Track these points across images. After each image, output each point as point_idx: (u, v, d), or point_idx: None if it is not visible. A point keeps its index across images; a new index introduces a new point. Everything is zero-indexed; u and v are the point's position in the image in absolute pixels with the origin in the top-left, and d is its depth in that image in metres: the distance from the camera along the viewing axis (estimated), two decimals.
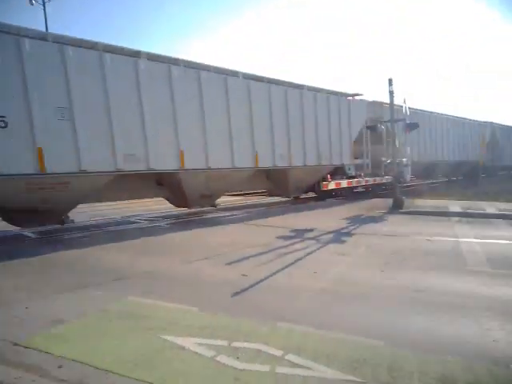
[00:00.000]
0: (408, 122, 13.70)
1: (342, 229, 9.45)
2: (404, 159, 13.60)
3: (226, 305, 4.58)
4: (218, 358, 3.25)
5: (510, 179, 22.36)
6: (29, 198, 8.74)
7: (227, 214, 13.42)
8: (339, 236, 8.58)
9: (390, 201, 12.96)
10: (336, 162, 16.27)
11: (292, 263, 6.36)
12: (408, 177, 13.89)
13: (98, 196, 10.80)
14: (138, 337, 3.75)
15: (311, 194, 17.43)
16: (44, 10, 28.27)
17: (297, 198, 17.00)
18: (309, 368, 3.05)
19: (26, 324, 4.14)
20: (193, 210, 13.26)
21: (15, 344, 3.63)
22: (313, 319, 4.06)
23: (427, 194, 16.41)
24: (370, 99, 18.47)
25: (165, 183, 11.90)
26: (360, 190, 19.07)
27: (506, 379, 2.86)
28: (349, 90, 17.86)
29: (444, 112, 24.71)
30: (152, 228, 10.92)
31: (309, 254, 7.02)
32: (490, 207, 11.55)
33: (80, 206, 10.79)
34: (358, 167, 17.38)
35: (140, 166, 10.31)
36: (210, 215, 13.24)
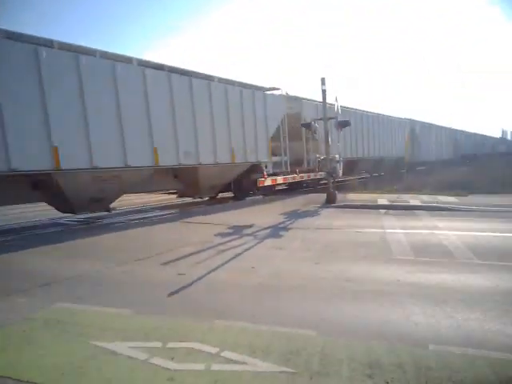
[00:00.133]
0: (340, 119, 14.27)
1: (279, 224, 9.65)
2: (336, 155, 14.20)
3: (162, 305, 4.49)
4: (152, 361, 3.18)
5: (430, 174, 24.00)
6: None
7: (155, 214, 13.12)
8: (276, 231, 8.75)
9: (324, 196, 13.47)
10: (252, 160, 15.56)
11: (230, 259, 6.38)
12: (340, 172, 14.50)
13: None
14: (66, 345, 3.55)
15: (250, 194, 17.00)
16: None
17: (213, 198, 16.34)
18: (244, 363, 3.09)
19: None
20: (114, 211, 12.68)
21: None
22: (250, 314, 4.11)
23: (358, 188, 17.25)
24: (291, 94, 18.07)
25: (41, 187, 10.22)
26: (283, 187, 18.87)
27: (425, 359, 3.09)
28: (266, 83, 17.40)
29: (365, 109, 24.69)
30: (83, 229, 10.36)
31: (247, 249, 7.08)
32: (414, 200, 12.44)
33: None
34: (277, 165, 16.88)
35: (1, 167, 8.57)
36: (138, 215, 12.85)
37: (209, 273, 5.62)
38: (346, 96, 23.66)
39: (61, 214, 11.78)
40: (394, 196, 13.61)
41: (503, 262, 5.66)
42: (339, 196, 13.56)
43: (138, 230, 9.77)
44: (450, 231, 7.84)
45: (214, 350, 3.28)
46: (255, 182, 15.50)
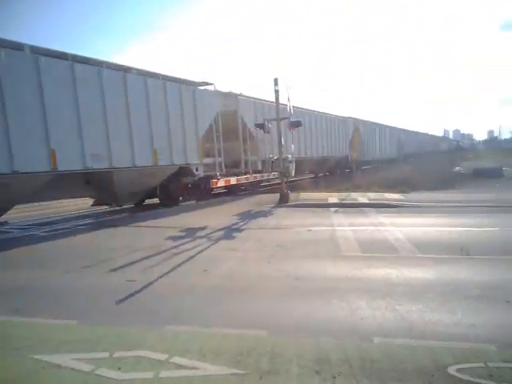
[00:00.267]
0: (292, 120, 14.47)
1: (233, 225, 9.65)
2: (289, 156, 14.40)
3: (110, 314, 4.33)
4: (98, 372, 3.06)
5: (377, 172, 24.68)
6: None
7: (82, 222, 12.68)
8: (230, 232, 8.74)
9: (277, 196, 13.63)
10: (179, 162, 13.88)
11: (182, 263, 6.29)
12: (293, 172, 14.73)
13: None
14: (5, 360, 3.34)
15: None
16: None
17: (140, 205, 14.76)
18: (194, 368, 3.05)
19: None
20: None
21: None
22: (202, 318, 4.08)
23: (309, 187, 17.60)
24: (225, 90, 16.89)
25: None
26: (220, 191, 17.71)
27: (370, 352, 3.21)
28: (198, 78, 15.97)
29: (309, 108, 23.61)
30: (26, 237, 9.76)
31: (200, 252, 7.01)
32: (363, 198, 12.93)
33: None
34: (210, 167, 15.49)
35: None
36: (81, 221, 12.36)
37: (160, 277, 5.51)
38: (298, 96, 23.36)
39: None
40: (343, 194, 14.06)
41: (443, 255, 6.02)
42: (292, 195, 13.78)
43: (83, 237, 9.37)
44: (395, 227, 8.22)
45: (163, 357, 3.21)
46: (186, 186, 14.66)
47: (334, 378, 2.84)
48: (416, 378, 2.80)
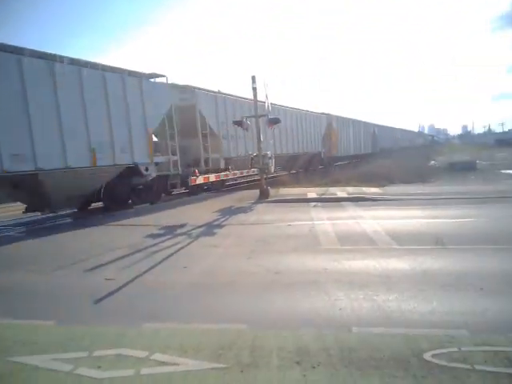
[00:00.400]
0: (270, 117, 14.48)
1: (214, 221, 9.63)
2: (268, 152, 14.43)
3: (88, 313, 4.27)
4: (77, 371, 3.02)
5: (356, 167, 24.57)
6: None
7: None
8: (210, 229, 8.72)
9: (257, 192, 13.65)
10: (124, 161, 12.30)
11: (162, 261, 6.24)
12: (272, 168, 14.78)
13: None
14: None
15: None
16: None
17: (84, 210, 13.19)
18: (175, 364, 3.04)
19: None
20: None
21: None
22: (181, 314, 4.08)
23: (289, 183, 17.68)
24: (181, 83, 15.79)
25: None
26: (178, 191, 16.30)
27: (348, 341, 3.27)
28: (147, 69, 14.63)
29: (282, 104, 22.65)
30: None
31: (179, 249, 6.98)
32: (342, 192, 13.10)
33: None
34: (164, 166, 14.16)
35: None
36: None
37: (139, 276, 5.45)
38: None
39: None
40: (322, 189, 14.21)
41: (419, 246, 6.17)
42: (272, 191, 13.83)
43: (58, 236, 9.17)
44: (373, 220, 8.37)
45: (143, 354, 3.19)
46: (134, 189, 13.34)
47: (314, 368, 2.88)
48: (393, 365, 2.87)
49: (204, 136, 15.97)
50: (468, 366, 2.79)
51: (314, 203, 11.47)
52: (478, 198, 10.70)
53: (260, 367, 2.92)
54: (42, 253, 7.55)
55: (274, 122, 14.79)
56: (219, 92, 17.66)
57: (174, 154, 14.37)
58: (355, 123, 35.52)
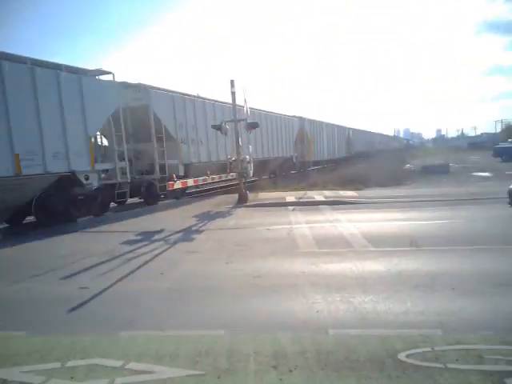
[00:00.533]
0: (249, 121, 14.50)
1: (192, 226, 9.55)
2: (247, 156, 14.44)
3: (61, 323, 4.16)
4: (49, 383, 2.92)
5: (326, 173, 24.21)
6: None
7: None
8: (188, 234, 8.65)
9: (236, 196, 13.63)
10: (59, 169, 10.75)
11: (138, 267, 6.14)
12: (251, 172, 14.79)
13: None
14: None
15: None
16: None
17: (18, 225, 11.61)
18: (151, 372, 2.99)
19: None
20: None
21: None
22: (158, 322, 4.01)
23: (268, 187, 17.69)
24: (134, 81, 14.47)
25: None
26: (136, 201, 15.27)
27: (325, 344, 3.29)
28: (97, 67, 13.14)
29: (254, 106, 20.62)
30: None
31: (157, 255, 6.88)
32: (319, 196, 13.22)
33: None
34: (110, 174, 12.95)
35: None
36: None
37: (114, 283, 5.34)
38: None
39: None
40: (300, 193, 14.30)
41: (394, 248, 6.29)
42: (251, 196, 13.84)
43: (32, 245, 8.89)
44: (350, 223, 8.49)
45: (118, 364, 3.12)
46: (74, 200, 11.68)
47: (291, 371, 2.88)
48: (369, 365, 2.90)
49: (159, 140, 14.44)
50: (441, 365, 2.85)
51: (292, 207, 11.54)
52: (452, 200, 11.00)
53: (237, 373, 2.91)
54: (17, 260, 7.32)
55: (253, 126, 14.82)
56: (176, 92, 16.13)
57: (121, 159, 12.97)
58: (328, 126, 34.32)
